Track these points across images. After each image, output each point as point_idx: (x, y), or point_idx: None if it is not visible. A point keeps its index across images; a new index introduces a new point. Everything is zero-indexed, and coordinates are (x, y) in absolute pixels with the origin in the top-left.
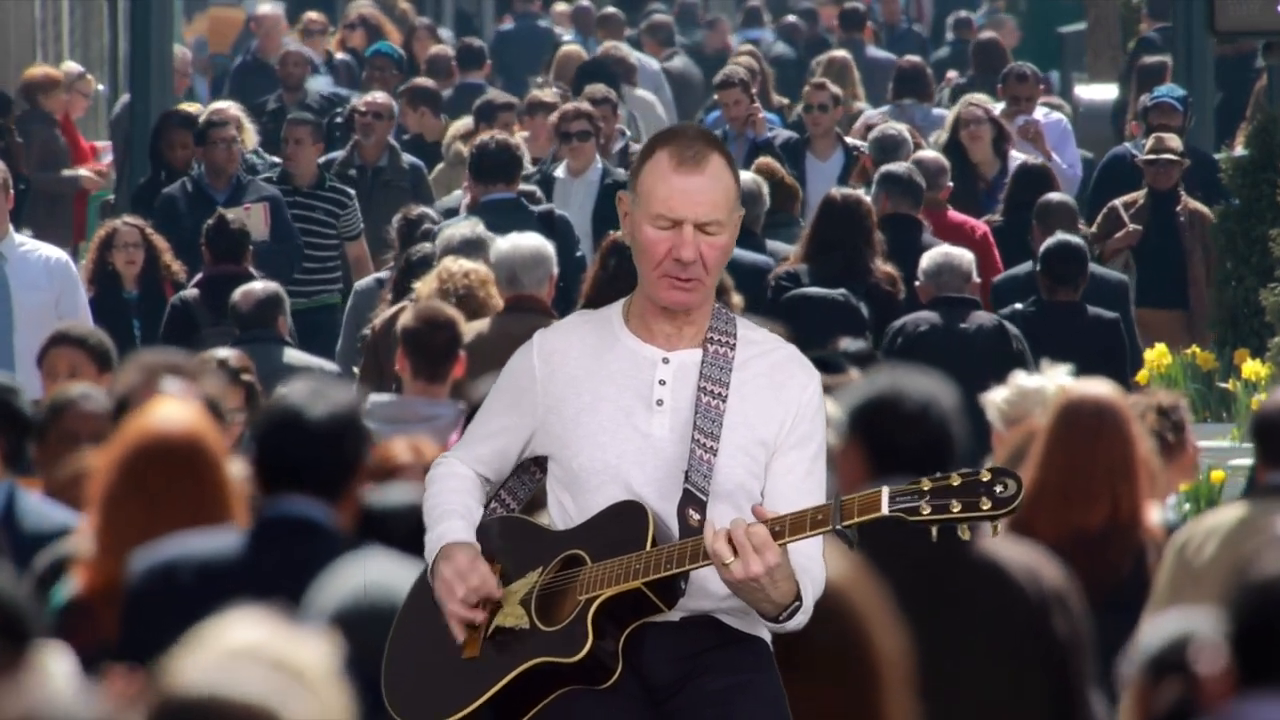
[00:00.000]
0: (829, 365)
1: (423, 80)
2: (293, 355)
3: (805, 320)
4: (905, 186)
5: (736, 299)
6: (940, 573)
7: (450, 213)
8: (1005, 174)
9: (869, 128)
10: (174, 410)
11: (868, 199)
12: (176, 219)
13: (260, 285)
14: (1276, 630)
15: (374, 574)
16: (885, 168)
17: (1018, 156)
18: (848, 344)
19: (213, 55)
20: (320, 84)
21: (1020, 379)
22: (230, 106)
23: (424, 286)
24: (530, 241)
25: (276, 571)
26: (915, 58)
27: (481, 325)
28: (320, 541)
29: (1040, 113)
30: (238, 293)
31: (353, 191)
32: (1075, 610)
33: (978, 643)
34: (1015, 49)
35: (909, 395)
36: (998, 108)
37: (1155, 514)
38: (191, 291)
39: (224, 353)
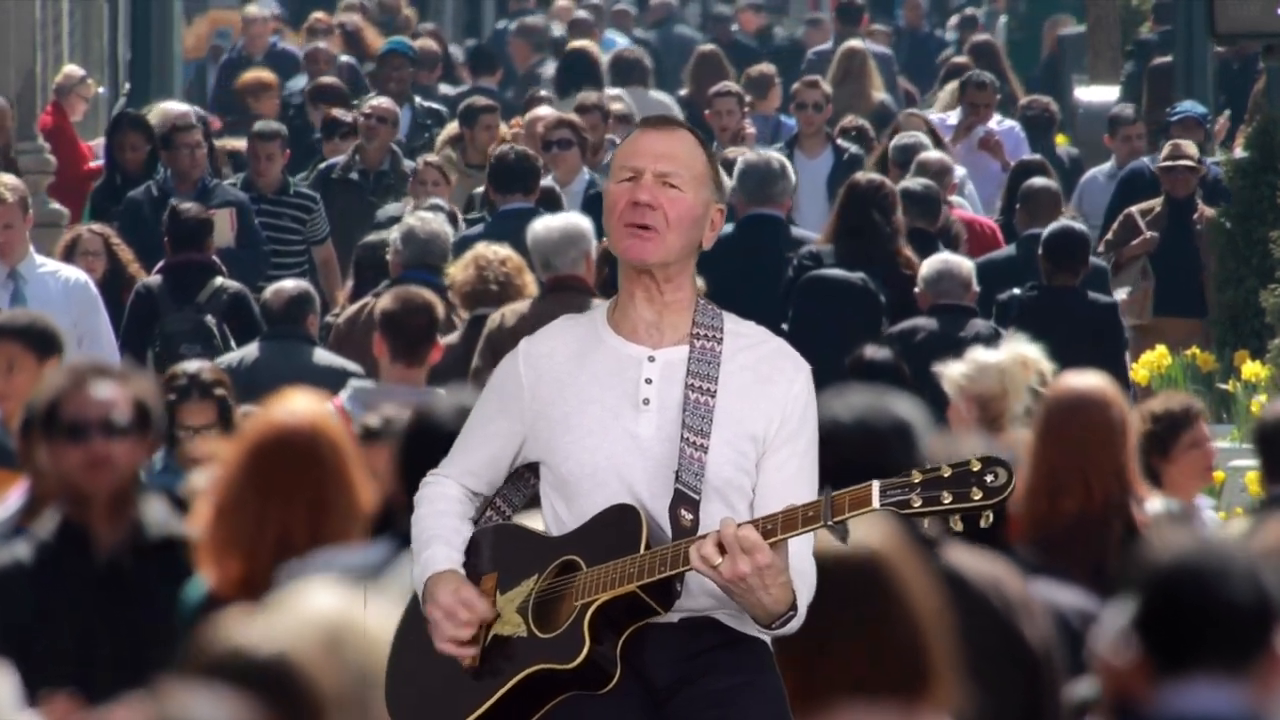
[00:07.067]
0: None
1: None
2: (321, 355)
3: (822, 301)
4: (922, 204)
5: (699, 284)
6: None
7: (392, 219)
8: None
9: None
10: (297, 404)
11: (890, 183)
12: (140, 223)
13: (292, 283)
14: (1186, 614)
15: None
16: (903, 184)
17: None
18: (873, 352)
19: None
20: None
21: (979, 353)
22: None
23: (460, 273)
24: (559, 222)
25: None
26: (961, 58)
27: (521, 307)
28: None
29: (994, 120)
30: (269, 290)
31: (317, 195)
32: (1041, 620)
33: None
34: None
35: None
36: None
37: (1155, 504)
38: (154, 278)
39: (195, 365)
